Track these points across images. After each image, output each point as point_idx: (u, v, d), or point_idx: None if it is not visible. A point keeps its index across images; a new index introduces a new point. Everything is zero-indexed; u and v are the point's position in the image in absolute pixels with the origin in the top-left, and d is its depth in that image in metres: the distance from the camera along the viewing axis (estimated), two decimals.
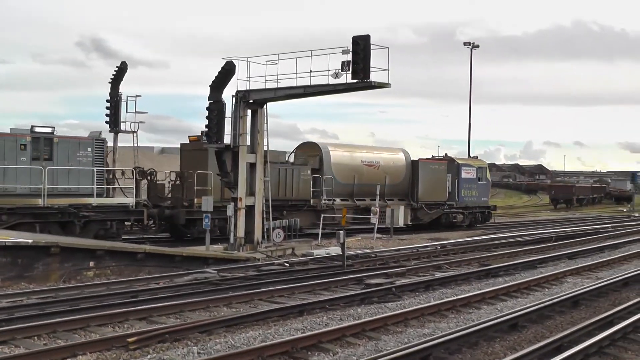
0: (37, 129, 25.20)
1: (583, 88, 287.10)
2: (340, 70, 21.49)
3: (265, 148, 24.73)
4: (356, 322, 12.73)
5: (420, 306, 14.42)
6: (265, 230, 24.82)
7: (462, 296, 15.74)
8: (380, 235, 31.21)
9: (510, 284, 17.80)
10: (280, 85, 23.40)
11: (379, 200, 33.39)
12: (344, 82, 21.76)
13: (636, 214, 61.50)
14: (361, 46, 21.02)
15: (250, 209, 24.28)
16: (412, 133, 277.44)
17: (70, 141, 25.91)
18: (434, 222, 38.60)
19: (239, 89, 23.85)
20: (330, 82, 22.07)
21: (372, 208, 30.96)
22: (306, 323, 13.06)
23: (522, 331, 12.86)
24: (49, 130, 25.53)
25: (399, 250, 26.35)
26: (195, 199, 27.64)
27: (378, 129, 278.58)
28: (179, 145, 31.84)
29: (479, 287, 17.79)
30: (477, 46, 59.94)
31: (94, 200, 25.41)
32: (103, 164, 26.53)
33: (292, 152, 34.71)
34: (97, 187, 25.63)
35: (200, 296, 15.39)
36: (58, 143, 25.42)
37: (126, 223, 27.06)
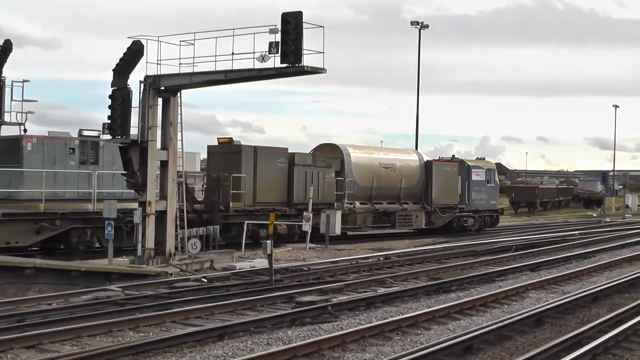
0: (85, 133, 28.00)
1: (547, 76, 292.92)
2: (267, 53, 21.46)
3: (179, 143, 24.57)
4: (286, 347, 12.72)
5: (361, 327, 14.49)
6: (179, 240, 24.64)
7: (408, 315, 15.87)
8: (313, 246, 31.30)
9: (464, 300, 18.03)
10: (197, 70, 23.26)
11: (396, 203, 38.98)
12: (272, 66, 21.74)
13: (607, 219, 63.03)
14: (292, 25, 21.03)
15: (161, 215, 24.06)
16: (350, 126, 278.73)
17: (101, 144, 28.42)
18: (445, 226, 42.59)
19: (148, 74, 23.61)
20: (256, 67, 22.02)
21: (305, 213, 31.03)
22: (227, 349, 12.99)
23: (477, 354, 13.05)
24: (95, 134, 28.01)
25: (335, 262, 26.45)
26: (232, 203, 30.83)
27: (311, 122, 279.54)
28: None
29: (428, 304, 17.96)
30: (427, 26, 60.62)
31: (127, 205, 27.00)
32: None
33: (310, 153, 37.37)
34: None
35: (101, 318, 15.18)
36: (103, 147, 28.11)
37: None
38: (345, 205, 36.06)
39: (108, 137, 24.36)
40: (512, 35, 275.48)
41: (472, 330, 13.93)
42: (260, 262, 24.57)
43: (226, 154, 32.27)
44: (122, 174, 24.81)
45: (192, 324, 15.22)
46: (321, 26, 21.53)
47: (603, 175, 77.34)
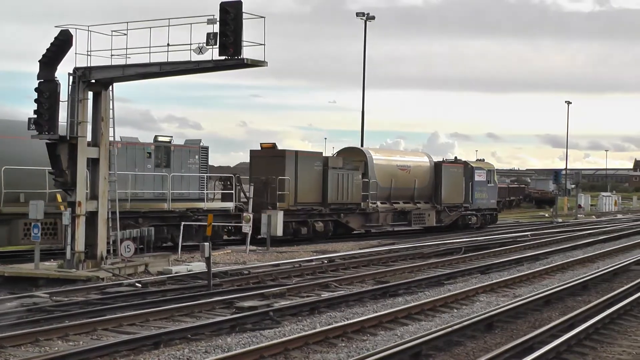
0: (159, 138, 32.16)
1: (497, 71, 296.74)
2: (205, 45, 21.37)
3: (110, 139, 24.36)
4: (225, 354, 12.70)
5: (304, 333, 14.51)
6: (111, 242, 24.43)
7: (354, 320, 15.94)
8: (254, 248, 31.28)
9: (412, 304, 18.16)
10: (130, 62, 23.06)
11: (411, 203, 44.40)
12: (210, 58, 21.65)
13: (560, 220, 63.99)
14: (231, 15, 20.96)
15: (92, 216, 23.83)
16: (292, 122, 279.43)
17: (183, 149, 32.77)
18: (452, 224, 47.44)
19: (78, 66, 23.34)
20: (193, 59, 21.92)
21: (245, 214, 30.99)
22: (163, 357, 12.94)
23: None
24: (167, 139, 32.31)
25: (277, 265, 26.48)
26: (278, 203, 35.36)
27: (251, 117, 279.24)
28: None
29: (374, 309, 18.06)
30: (373, 18, 60.84)
31: (204, 205, 32.55)
32: (207, 170, 33.91)
33: (333, 155, 42.53)
34: (207, 193, 33.51)
35: (27, 327, 14.97)
36: (174, 151, 32.08)
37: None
38: (370, 205, 41.14)
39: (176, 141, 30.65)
40: (460, 28, 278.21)
41: (421, 336, 14.03)
42: (198, 266, 24.49)
43: (270, 158, 36.95)
44: (49, 172, 24.51)
45: (126, 332, 15.11)
46: (262, 17, 21.51)
47: (555, 174, 78.31)
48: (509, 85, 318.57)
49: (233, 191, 34.50)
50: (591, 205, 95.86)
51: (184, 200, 32.35)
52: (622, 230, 49.97)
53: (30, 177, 27.10)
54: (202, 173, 33.35)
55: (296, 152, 38.09)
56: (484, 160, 55.51)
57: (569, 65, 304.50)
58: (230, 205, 34.05)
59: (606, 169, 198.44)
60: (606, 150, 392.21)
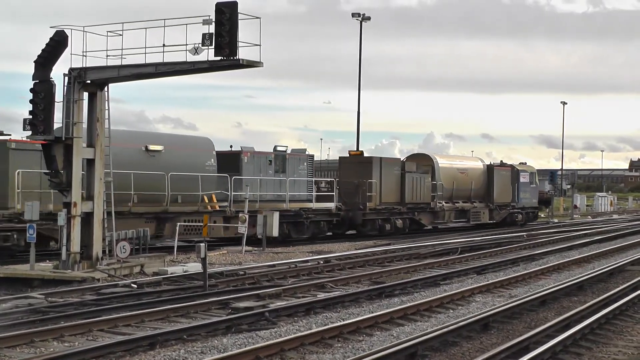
0: (278, 148, 38.10)
1: (492, 72, 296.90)
2: (200, 45, 21.36)
3: (106, 139, 24.35)
4: (221, 355, 12.69)
5: (300, 334, 14.51)
6: (107, 243, 24.41)
7: (350, 321, 15.94)
8: (250, 249, 31.27)
9: (408, 305, 18.16)
10: (125, 63, 23.04)
11: (468, 202, 50.02)
12: (206, 59, 21.65)
13: (555, 220, 64.05)
14: (227, 15, 20.96)
15: (88, 217, 23.81)
16: (287, 123, 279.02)
17: (294, 157, 38.53)
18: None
19: (73, 67, 23.34)
20: (189, 60, 21.91)
21: (240, 214, 30.97)
22: (158, 358, 12.95)
23: None
24: (284, 148, 38.29)
25: (273, 266, 26.46)
26: (367, 203, 41.10)
27: (246, 118, 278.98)
28: None
29: (370, 309, 18.07)
30: (368, 18, 60.73)
31: (313, 205, 38.41)
32: (313, 175, 39.61)
33: (403, 160, 47.00)
34: (315, 195, 38.88)
35: (22, 328, 14.95)
36: (289, 159, 37.86)
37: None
38: (438, 204, 46.73)
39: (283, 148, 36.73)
40: (456, 29, 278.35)
41: (417, 337, 14.03)
42: (194, 266, 24.46)
43: (358, 164, 42.57)
44: (44, 173, 24.51)
45: (121, 333, 15.10)
46: (257, 17, 21.52)
47: (551, 175, 78.40)
48: (504, 86, 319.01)
49: (334, 193, 39.76)
50: (587, 205, 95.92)
51: (297, 201, 37.94)
52: (617, 230, 50.03)
53: (185, 182, 32.27)
54: (309, 177, 39.15)
55: (380, 158, 43.92)
56: (526, 163, 60.24)
57: (563, 66, 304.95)
58: (332, 205, 39.53)
59: (602, 170, 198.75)
60: (601, 151, 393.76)
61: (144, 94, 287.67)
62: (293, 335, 14.40)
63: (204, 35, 21.19)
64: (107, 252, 24.40)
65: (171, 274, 23.67)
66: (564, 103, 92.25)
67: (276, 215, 33.73)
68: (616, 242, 39.54)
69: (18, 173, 27.22)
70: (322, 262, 27.92)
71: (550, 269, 26.83)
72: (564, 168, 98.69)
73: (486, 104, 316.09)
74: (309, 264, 27.30)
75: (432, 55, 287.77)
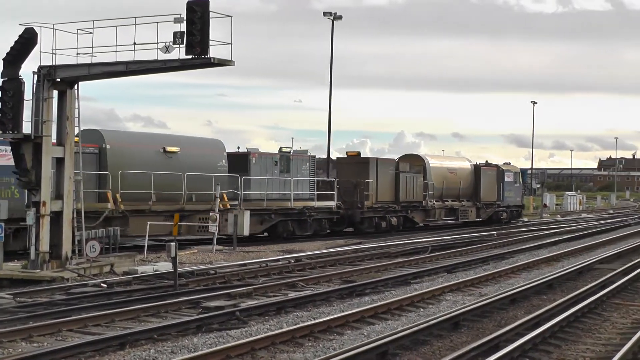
0: (283, 149, 40.24)
1: (463, 71, 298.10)
2: (171, 44, 21.29)
3: (76, 138, 24.21)
4: (191, 355, 12.65)
5: (271, 333, 14.50)
6: (76, 242, 24.26)
7: (321, 320, 15.95)
8: (221, 248, 31.20)
9: (379, 303, 18.20)
10: (95, 61, 22.92)
11: (457, 201, 52.10)
12: (177, 57, 21.57)
13: (525, 219, 64.36)
14: (198, 14, 20.90)
15: (57, 216, 23.64)
16: (258, 121, 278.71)
17: (298, 158, 40.37)
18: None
19: (43, 64, 23.16)
20: (160, 58, 21.83)
21: (211, 214, 30.89)
22: (129, 358, 12.89)
23: None
24: (288, 150, 40.64)
25: (244, 265, 26.43)
26: (365, 202, 43.15)
27: (216, 116, 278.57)
28: None
29: (341, 308, 18.09)
30: (340, 17, 60.78)
31: (315, 203, 40.26)
32: (314, 175, 41.32)
33: (397, 161, 48.51)
34: (316, 194, 40.56)
35: None
36: (292, 160, 39.67)
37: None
38: (429, 202, 48.80)
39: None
40: (427, 29, 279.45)
41: (387, 335, 14.07)
42: (164, 266, 24.38)
43: (355, 164, 44.44)
44: (13, 172, 24.33)
45: (91, 333, 15.03)
46: (229, 16, 21.48)
47: (521, 174, 78.88)
48: (475, 85, 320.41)
49: (334, 192, 41.63)
50: (556, 204, 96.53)
51: (301, 199, 39.75)
52: (586, 229, 50.40)
53: (200, 181, 33.92)
54: (311, 177, 40.85)
55: (377, 159, 45.96)
56: (510, 163, 62.37)
57: (534, 66, 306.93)
58: (332, 204, 41.47)
59: (571, 169, 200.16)
60: (571, 150, 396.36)
61: (114, 92, 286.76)
62: (264, 335, 14.38)
63: (175, 33, 21.12)
64: (76, 251, 24.24)
65: (141, 273, 23.58)
66: (534, 102, 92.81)
67: (247, 214, 33.67)
68: (585, 241, 39.82)
69: (55, 173, 26.66)
70: (293, 261, 27.91)
71: (520, 268, 26.98)
72: (534, 167, 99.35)
73: (457, 103, 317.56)
74: (280, 263, 27.28)
75: (403, 55, 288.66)
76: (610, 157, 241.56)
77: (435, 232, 45.59)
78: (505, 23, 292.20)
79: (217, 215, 30.65)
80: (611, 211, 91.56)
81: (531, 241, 39.61)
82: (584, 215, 79.38)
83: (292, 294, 20.02)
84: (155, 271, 23.93)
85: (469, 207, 53.77)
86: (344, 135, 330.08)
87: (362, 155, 47.26)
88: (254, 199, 36.92)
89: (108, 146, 31.23)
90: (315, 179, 41.27)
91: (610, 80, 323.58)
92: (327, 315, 16.69)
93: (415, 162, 49.77)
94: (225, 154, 36.63)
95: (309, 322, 15.71)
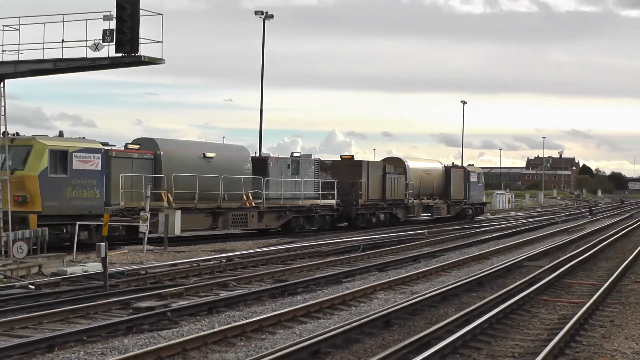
0: (294, 154, 45.78)
1: (393, 71, 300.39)
2: (101, 41, 21.07)
3: (137, 145, 23.91)
4: (122, 356, 12.52)
5: (202, 333, 14.43)
6: (3, 243, 23.88)
7: (252, 319, 15.91)
8: (152, 247, 30.95)
9: (311, 302, 18.23)
10: (22, 58, 22.60)
11: (431, 199, 57.33)
12: (107, 56, 21.37)
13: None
14: (128, 11, 20.74)
15: None
16: (188, 120, 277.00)
17: (305, 161, 45.43)
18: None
19: None
20: (89, 56, 21.60)
21: (142, 213, 30.61)
22: None
23: (325, 359, 13.21)
24: (298, 154, 45.97)
25: (175, 265, 26.24)
26: (360, 200, 48.40)
27: (146, 115, 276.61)
28: None
29: (273, 307, 18.09)
30: (272, 16, 60.85)
31: (320, 202, 45.26)
32: (318, 176, 46.33)
33: (384, 163, 53.53)
34: (321, 193, 45.55)
35: None
36: (301, 163, 44.76)
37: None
38: (410, 200, 53.97)
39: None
40: (357, 29, 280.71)
41: (319, 334, 14.09)
42: (94, 266, 24.07)
43: (348, 166, 49.39)
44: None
45: (18, 335, 14.77)
46: (160, 14, 21.37)
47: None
48: (405, 85, 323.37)
49: (334, 191, 46.22)
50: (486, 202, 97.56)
51: (308, 198, 44.49)
52: (515, 227, 51.18)
53: (232, 183, 38.68)
54: (316, 179, 45.84)
55: (368, 162, 51.21)
56: (473, 164, 68.94)
57: (463, 66, 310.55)
58: (333, 202, 46.21)
59: (500, 168, 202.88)
60: (500, 149, 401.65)
61: (41, 90, 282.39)
62: (195, 335, 14.31)
63: (104, 31, 20.93)
64: (2, 252, 23.84)
65: (70, 274, 23.25)
66: (464, 102, 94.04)
67: (178, 213, 33.46)
68: (514, 239, 40.41)
69: (121, 177, 32.76)
70: (224, 260, 27.79)
71: (450, 266, 27.26)
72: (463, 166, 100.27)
73: (387, 102, 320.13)
74: (212, 262, 27.13)
75: (334, 55, 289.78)
76: (538, 156, 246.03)
77: (366, 232, 45.82)
78: (434, 23, 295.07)
79: (148, 215, 30.38)
80: (539, 209, 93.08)
81: (461, 239, 40.06)
82: (512, 213, 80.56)
83: (224, 294, 19.94)
84: (84, 272, 23.62)
85: (442, 205, 58.67)
86: (275, 134, 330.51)
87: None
88: (272, 197, 41.78)
89: (162, 153, 35.59)
90: (320, 180, 46.11)
91: (537, 81, 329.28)
92: (259, 315, 16.67)
93: (397, 164, 54.62)
94: (250, 158, 41.47)
95: (241, 322, 15.67)
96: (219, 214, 37.97)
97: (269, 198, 41.50)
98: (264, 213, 41.07)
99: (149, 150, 35.40)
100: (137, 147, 34.94)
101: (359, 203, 48.52)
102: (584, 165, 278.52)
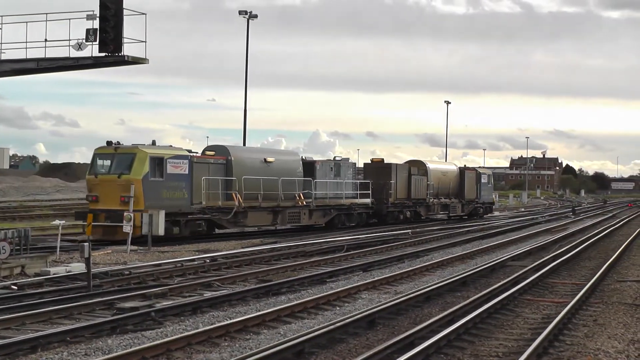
0: (336, 159, 50.00)
1: (377, 71, 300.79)
2: (84, 41, 21.01)
3: (212, 152, 23.81)
4: (106, 357, 12.51)
5: (187, 334, 14.41)
6: None
7: (237, 319, 15.90)
8: (135, 248, 30.86)
9: (295, 302, 18.23)
10: (4, 57, 22.49)
11: (448, 199, 61.20)
12: (90, 55, 21.30)
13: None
14: (112, 11, 20.69)
15: None
16: (171, 120, 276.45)
17: (345, 164, 49.59)
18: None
19: None
20: (72, 56, 21.52)
21: (125, 214, 30.53)
22: None
23: (309, 359, 13.22)
24: (339, 158, 50.37)
25: (159, 265, 26.16)
26: (390, 199, 52.68)
27: (129, 115, 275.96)
28: None
29: (257, 307, 18.08)
30: (255, 16, 60.81)
31: (358, 201, 49.37)
32: (355, 177, 51.18)
33: (409, 166, 57.39)
34: (358, 193, 49.65)
35: None
36: (342, 166, 48.83)
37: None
38: (431, 200, 57.91)
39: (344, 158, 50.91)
40: (341, 28, 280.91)
41: (304, 334, 14.09)
42: (77, 267, 23.98)
43: (379, 168, 53.64)
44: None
45: (1, 336, 14.69)
46: (143, 13, 21.32)
47: None
48: (389, 85, 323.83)
49: (369, 191, 50.40)
50: None
51: (348, 197, 48.62)
52: (499, 227, 51.34)
53: (288, 184, 42.82)
54: (353, 180, 50.27)
55: (396, 164, 55.04)
56: (482, 167, 74.95)
57: (446, 66, 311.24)
58: (368, 200, 50.29)
59: (484, 168, 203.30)
60: (483, 150, 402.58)
61: (24, 89, 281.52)
62: (179, 335, 14.29)
63: (87, 30, 20.87)
64: None
65: (54, 274, 23.16)
66: (448, 102, 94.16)
67: (162, 213, 33.39)
68: (497, 239, 40.52)
69: (203, 179, 36.81)
70: (208, 260, 27.74)
71: (434, 266, 27.30)
72: None
73: (371, 102, 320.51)
74: (196, 262, 27.07)
75: (318, 54, 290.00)
76: (521, 156, 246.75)
77: (351, 231, 45.84)
78: (417, 24, 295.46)
79: (132, 215, 30.31)
80: (522, 209, 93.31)
81: (445, 239, 40.12)
82: (496, 213, 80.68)
83: (208, 294, 19.90)
84: (68, 272, 23.54)
85: (457, 204, 62.63)
86: (259, 134, 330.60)
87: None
88: (319, 197, 45.81)
89: (233, 158, 39.67)
90: (357, 181, 50.75)
91: (520, 81, 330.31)
92: (244, 315, 16.66)
93: (419, 166, 58.74)
94: (301, 162, 45.64)
95: (225, 322, 15.66)
96: (278, 212, 42.09)
97: (317, 197, 45.64)
98: (313, 211, 45.10)
99: (221, 156, 39.45)
100: (212, 153, 39.12)
101: (389, 202, 52.77)
102: (567, 165, 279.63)
